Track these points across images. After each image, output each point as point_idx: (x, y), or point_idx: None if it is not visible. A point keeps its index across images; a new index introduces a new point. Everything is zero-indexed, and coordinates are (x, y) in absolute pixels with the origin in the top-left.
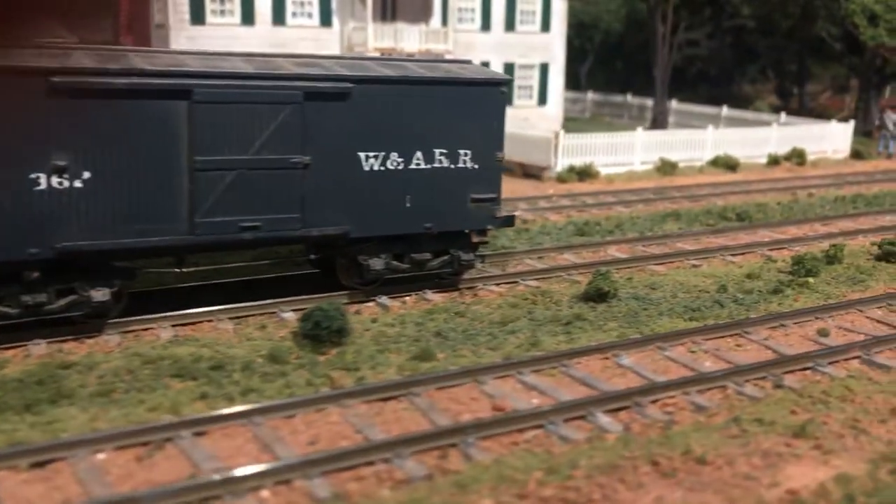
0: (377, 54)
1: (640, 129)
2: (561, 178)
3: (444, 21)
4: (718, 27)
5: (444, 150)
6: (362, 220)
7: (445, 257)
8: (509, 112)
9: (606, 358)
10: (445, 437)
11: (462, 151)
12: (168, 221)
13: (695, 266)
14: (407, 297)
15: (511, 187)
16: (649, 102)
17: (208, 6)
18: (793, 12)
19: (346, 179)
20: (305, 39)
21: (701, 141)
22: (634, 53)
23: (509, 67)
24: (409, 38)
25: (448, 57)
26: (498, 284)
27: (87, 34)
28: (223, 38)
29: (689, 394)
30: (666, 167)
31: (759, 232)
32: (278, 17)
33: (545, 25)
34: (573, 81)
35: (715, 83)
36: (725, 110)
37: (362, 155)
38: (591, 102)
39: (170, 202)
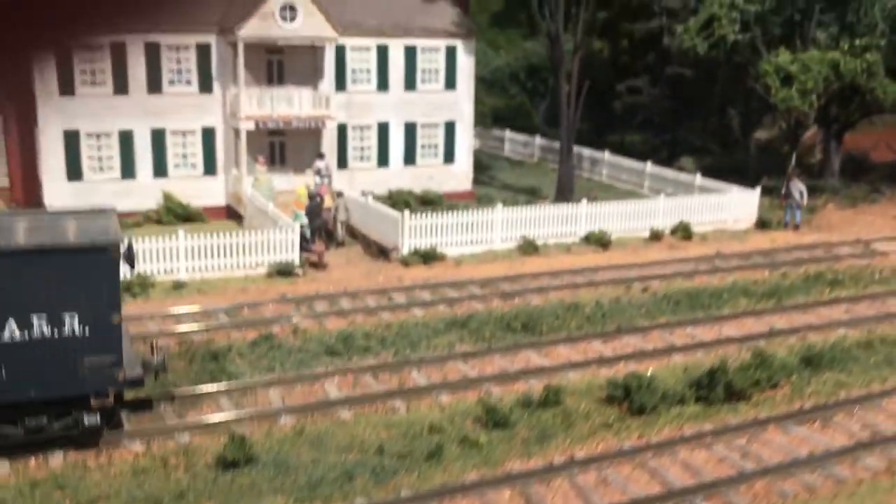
0: (251, 122)
1: (499, 206)
2: (405, 262)
3: (339, 83)
4: (659, 76)
5: (45, 316)
6: None
7: (68, 419)
8: (412, 171)
9: None
10: None
11: (67, 316)
12: None
13: (393, 410)
14: (33, 459)
15: (348, 272)
16: (585, 152)
17: (78, 76)
18: (722, 73)
19: None
20: (186, 106)
21: (574, 216)
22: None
23: (411, 127)
24: (292, 103)
25: (91, 208)
26: (145, 440)
27: None
28: (97, 108)
29: None
30: (527, 247)
31: (520, 353)
32: (154, 85)
33: (450, 83)
34: (528, 124)
35: (658, 131)
36: (649, 166)
37: None
38: (538, 147)
39: None
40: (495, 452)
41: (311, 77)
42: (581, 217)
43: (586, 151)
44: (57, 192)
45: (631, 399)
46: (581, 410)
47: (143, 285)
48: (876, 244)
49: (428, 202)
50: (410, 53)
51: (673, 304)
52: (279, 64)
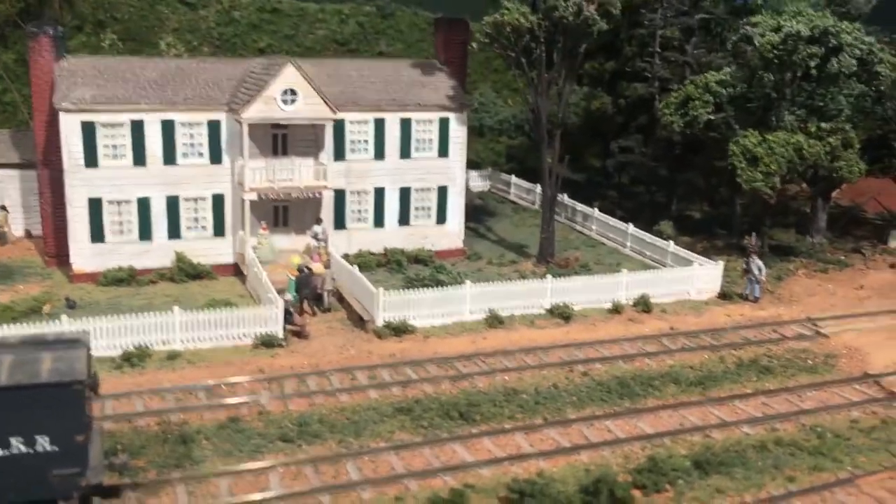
0: (254, 193)
1: (468, 283)
2: (378, 334)
3: (338, 153)
4: (650, 137)
5: (21, 438)
6: None
7: None
8: (407, 231)
9: None
10: None
11: (39, 437)
12: None
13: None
14: None
15: (325, 343)
16: (578, 206)
17: (101, 151)
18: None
19: None
20: (198, 176)
21: (540, 290)
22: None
23: (405, 191)
24: (293, 174)
25: (68, 337)
26: None
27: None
28: (118, 178)
29: None
30: (493, 320)
31: (446, 446)
32: (169, 157)
33: (443, 152)
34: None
35: (649, 191)
36: (631, 228)
37: None
38: (539, 196)
39: None
40: None
41: (312, 149)
42: (547, 291)
43: (579, 206)
44: (81, 252)
45: None
46: None
47: (141, 356)
48: (824, 323)
49: (419, 260)
50: (406, 125)
51: (605, 391)
52: (283, 137)
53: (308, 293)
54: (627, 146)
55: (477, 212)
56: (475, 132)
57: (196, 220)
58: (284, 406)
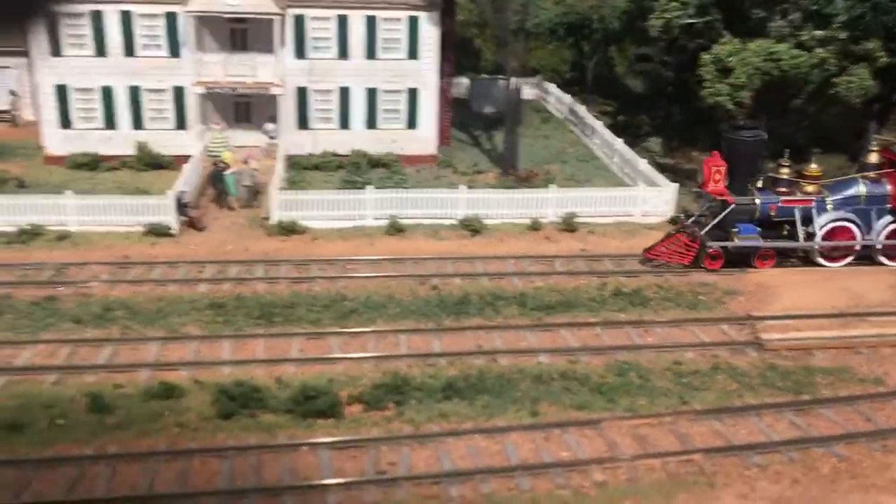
0: (201, 87)
1: (369, 189)
2: (269, 232)
3: (299, 51)
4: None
5: None
6: None
7: None
8: (375, 134)
9: None
10: None
11: None
12: None
13: (39, 382)
14: None
15: (212, 238)
16: (589, 120)
17: (64, 40)
18: None
19: None
20: (158, 69)
21: (452, 200)
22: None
23: (372, 92)
24: (247, 70)
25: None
26: None
27: None
28: (80, 67)
29: None
30: (392, 228)
31: (217, 343)
32: (129, 49)
33: (412, 53)
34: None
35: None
36: (618, 143)
37: None
38: (567, 107)
39: None
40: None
41: (270, 45)
42: (460, 201)
43: (589, 119)
44: (51, 136)
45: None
46: (182, 407)
47: (33, 235)
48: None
49: (383, 164)
50: (371, 23)
51: (438, 307)
52: (243, 32)
53: (221, 187)
54: (645, 54)
55: (490, 121)
56: (513, 35)
57: (159, 111)
58: (109, 291)
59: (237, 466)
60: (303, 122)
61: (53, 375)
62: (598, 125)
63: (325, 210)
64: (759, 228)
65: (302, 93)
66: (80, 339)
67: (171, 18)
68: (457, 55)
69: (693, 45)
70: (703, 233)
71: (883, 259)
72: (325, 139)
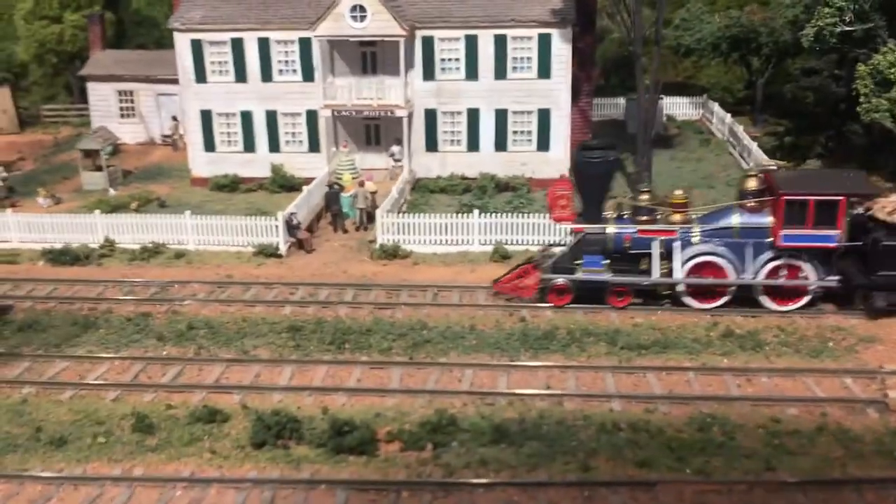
0: (328, 111)
1: (475, 213)
2: (373, 256)
3: (427, 73)
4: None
5: None
6: None
7: None
8: (504, 157)
9: None
10: None
11: None
12: None
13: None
14: None
15: (317, 260)
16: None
17: (208, 68)
18: None
19: None
20: (292, 93)
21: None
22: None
23: (501, 113)
24: (374, 93)
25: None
26: None
27: None
28: (222, 93)
29: None
30: (496, 254)
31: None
32: (266, 75)
33: (544, 72)
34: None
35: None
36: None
37: None
38: (728, 128)
39: None
40: None
41: (398, 68)
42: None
43: (747, 141)
44: (196, 159)
45: None
46: (222, 433)
47: (154, 252)
48: None
49: (511, 188)
50: (500, 42)
51: (516, 339)
52: (372, 56)
53: (337, 209)
54: (812, 68)
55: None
56: (674, 52)
57: (293, 134)
58: (199, 309)
59: (250, 500)
60: (431, 145)
61: (115, 392)
62: (754, 147)
63: (429, 234)
64: (607, 260)
65: (430, 115)
66: (154, 356)
67: (304, 44)
68: (621, 75)
69: (859, 55)
70: (547, 265)
71: (765, 300)
72: (453, 161)
